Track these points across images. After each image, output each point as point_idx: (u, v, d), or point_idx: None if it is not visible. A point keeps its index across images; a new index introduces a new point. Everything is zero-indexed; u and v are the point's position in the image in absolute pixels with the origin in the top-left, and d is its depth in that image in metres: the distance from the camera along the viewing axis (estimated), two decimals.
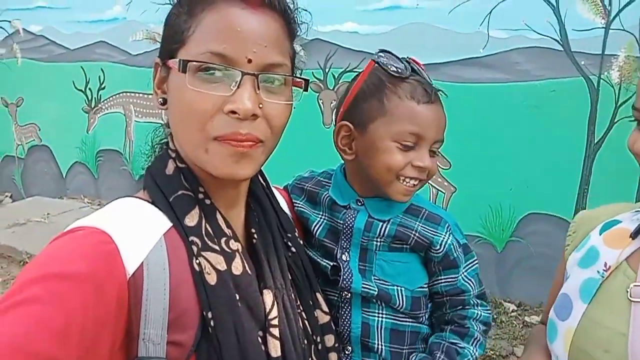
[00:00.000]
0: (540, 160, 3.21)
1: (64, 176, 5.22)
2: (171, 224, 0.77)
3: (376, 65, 0.97)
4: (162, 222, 0.76)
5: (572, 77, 3.09)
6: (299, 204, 1.05)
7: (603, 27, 3.01)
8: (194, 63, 0.73)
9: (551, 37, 3.11)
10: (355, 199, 1.01)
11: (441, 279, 1.00)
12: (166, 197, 0.78)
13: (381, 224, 0.99)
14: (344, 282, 0.96)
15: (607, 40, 3.00)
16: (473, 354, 1.00)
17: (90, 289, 0.65)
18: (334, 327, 0.92)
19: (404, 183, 0.96)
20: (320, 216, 1.03)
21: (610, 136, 3.06)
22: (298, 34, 0.84)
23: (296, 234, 0.95)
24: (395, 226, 0.98)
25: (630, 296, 0.90)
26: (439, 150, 0.99)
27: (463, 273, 1.01)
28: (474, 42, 3.28)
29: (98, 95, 4.85)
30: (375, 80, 0.96)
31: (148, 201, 0.79)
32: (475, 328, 1.01)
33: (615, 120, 3.05)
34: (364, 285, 0.96)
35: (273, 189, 0.97)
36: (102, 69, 4.77)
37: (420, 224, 0.99)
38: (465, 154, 3.33)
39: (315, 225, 1.03)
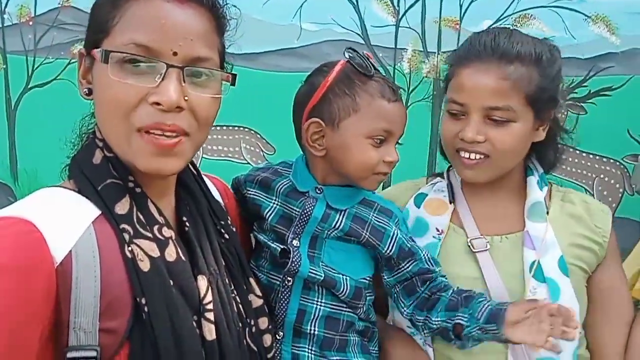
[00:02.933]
0: None
1: None
2: (100, 212, 0.75)
3: (347, 63, 1.01)
4: (90, 211, 0.75)
5: None
6: (251, 191, 1.08)
7: (394, 25, 3.49)
8: (117, 54, 0.72)
9: (354, 32, 3.49)
10: (314, 187, 1.04)
11: (403, 267, 1.04)
12: (94, 186, 0.76)
13: (337, 216, 1.02)
14: (292, 265, 0.99)
15: (398, 36, 3.50)
16: None
17: (15, 281, 0.63)
18: (267, 310, 0.94)
19: (377, 176, 1.03)
20: (273, 202, 1.06)
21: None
22: (227, 29, 0.85)
23: (229, 221, 0.95)
24: (349, 221, 1.02)
25: (473, 248, 1.11)
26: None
27: (425, 254, 1.06)
28: (288, 34, 3.48)
29: None
30: (345, 79, 1.00)
31: (74, 190, 0.77)
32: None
33: (408, 105, 3.57)
34: (311, 270, 0.99)
35: (205, 177, 0.97)
36: None
37: (374, 215, 1.04)
38: (287, 138, 3.52)
39: (268, 211, 1.05)
